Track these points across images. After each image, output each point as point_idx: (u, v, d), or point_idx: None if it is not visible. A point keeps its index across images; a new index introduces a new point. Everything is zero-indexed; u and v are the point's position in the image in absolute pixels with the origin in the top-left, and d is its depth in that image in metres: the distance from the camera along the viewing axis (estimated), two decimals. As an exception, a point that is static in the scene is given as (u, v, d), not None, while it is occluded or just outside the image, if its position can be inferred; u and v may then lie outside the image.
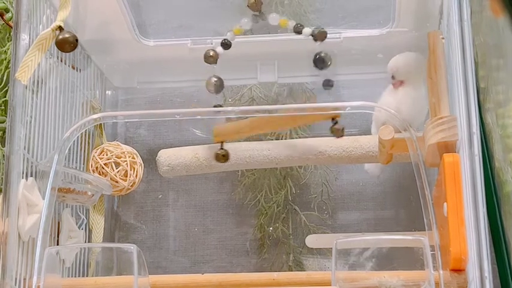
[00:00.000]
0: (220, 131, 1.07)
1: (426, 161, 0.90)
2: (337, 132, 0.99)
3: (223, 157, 1.06)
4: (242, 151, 1.10)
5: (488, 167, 1.07)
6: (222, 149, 1.07)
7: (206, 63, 1.06)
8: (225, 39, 1.05)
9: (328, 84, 1.04)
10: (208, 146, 1.12)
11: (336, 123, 0.98)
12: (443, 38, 0.94)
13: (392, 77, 1.01)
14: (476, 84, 0.85)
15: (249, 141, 1.11)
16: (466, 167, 0.82)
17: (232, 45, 1.07)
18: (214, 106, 1.06)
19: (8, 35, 1.24)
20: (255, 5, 1.00)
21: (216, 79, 1.05)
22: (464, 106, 0.84)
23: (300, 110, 1.13)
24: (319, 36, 0.99)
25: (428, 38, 0.95)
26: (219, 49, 1.06)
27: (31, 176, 0.93)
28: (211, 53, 1.05)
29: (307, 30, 1.01)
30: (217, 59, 1.05)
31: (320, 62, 1.01)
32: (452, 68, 0.89)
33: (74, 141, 0.99)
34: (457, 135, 0.86)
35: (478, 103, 0.84)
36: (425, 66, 0.96)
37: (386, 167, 1.11)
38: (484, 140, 1.07)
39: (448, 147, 0.86)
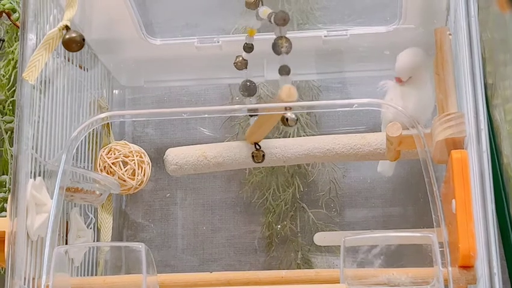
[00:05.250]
0: (248, 133, 1.09)
1: (434, 158, 0.90)
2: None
3: (261, 157, 1.09)
4: (250, 149, 1.11)
5: (497, 163, 1.07)
6: (258, 149, 1.09)
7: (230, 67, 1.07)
8: (246, 43, 1.05)
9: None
10: (216, 145, 1.13)
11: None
12: (450, 34, 0.94)
13: (410, 77, 0.99)
14: (483, 80, 0.84)
15: (257, 139, 1.11)
16: (474, 163, 0.82)
17: (239, 44, 1.07)
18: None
19: (15, 35, 1.24)
20: (253, 5, 1.00)
21: (249, 83, 1.06)
22: (471, 102, 0.83)
23: (308, 107, 1.13)
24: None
25: (435, 34, 0.95)
26: (244, 54, 1.06)
27: (39, 175, 0.93)
28: (239, 59, 1.06)
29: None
30: (247, 64, 1.06)
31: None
32: (460, 64, 0.88)
33: (81, 140, 0.99)
34: (465, 132, 0.85)
35: (485, 99, 0.84)
36: (429, 61, 0.96)
37: (395, 165, 1.10)
38: (492, 136, 1.07)
39: (456, 143, 0.86)
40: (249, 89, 1.07)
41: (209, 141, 1.15)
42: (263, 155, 1.10)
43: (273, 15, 0.97)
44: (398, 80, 1.00)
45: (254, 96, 1.08)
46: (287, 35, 0.98)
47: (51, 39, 0.93)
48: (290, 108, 0.96)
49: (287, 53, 0.97)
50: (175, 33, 1.17)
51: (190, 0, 1.17)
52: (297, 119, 0.98)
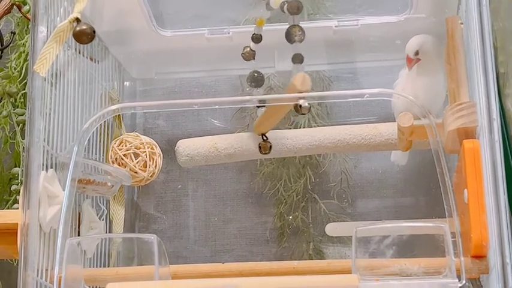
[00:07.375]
0: (256, 124, 1.09)
1: (446, 148, 0.90)
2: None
3: (268, 148, 1.09)
4: (261, 140, 1.10)
5: (509, 152, 1.06)
6: (265, 140, 1.08)
7: (243, 59, 1.07)
8: (255, 34, 1.05)
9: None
10: (227, 136, 1.13)
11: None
12: (461, 24, 0.93)
13: (416, 53, 0.99)
14: (495, 69, 0.84)
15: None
16: (486, 153, 0.82)
17: (250, 35, 1.07)
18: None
19: (26, 27, 1.24)
20: None
21: (256, 74, 1.06)
22: (483, 92, 0.83)
23: (319, 98, 1.13)
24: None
25: (446, 23, 0.94)
26: (252, 44, 1.06)
27: (51, 167, 0.93)
28: (247, 50, 1.06)
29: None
30: (254, 54, 1.06)
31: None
32: (472, 53, 0.88)
33: (93, 132, 1.00)
34: (476, 121, 0.85)
35: (497, 88, 0.84)
36: (441, 49, 0.95)
37: (408, 154, 1.10)
38: (504, 126, 1.07)
39: (468, 133, 0.86)
40: (256, 80, 1.07)
41: (220, 133, 1.15)
42: (270, 146, 1.09)
43: (286, 4, 0.97)
44: (408, 60, 0.99)
45: (262, 87, 1.07)
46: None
47: (62, 32, 0.93)
48: (303, 97, 0.96)
49: (300, 41, 0.96)
50: (185, 24, 1.17)
51: (200, -9, 1.17)
52: (310, 107, 0.97)
